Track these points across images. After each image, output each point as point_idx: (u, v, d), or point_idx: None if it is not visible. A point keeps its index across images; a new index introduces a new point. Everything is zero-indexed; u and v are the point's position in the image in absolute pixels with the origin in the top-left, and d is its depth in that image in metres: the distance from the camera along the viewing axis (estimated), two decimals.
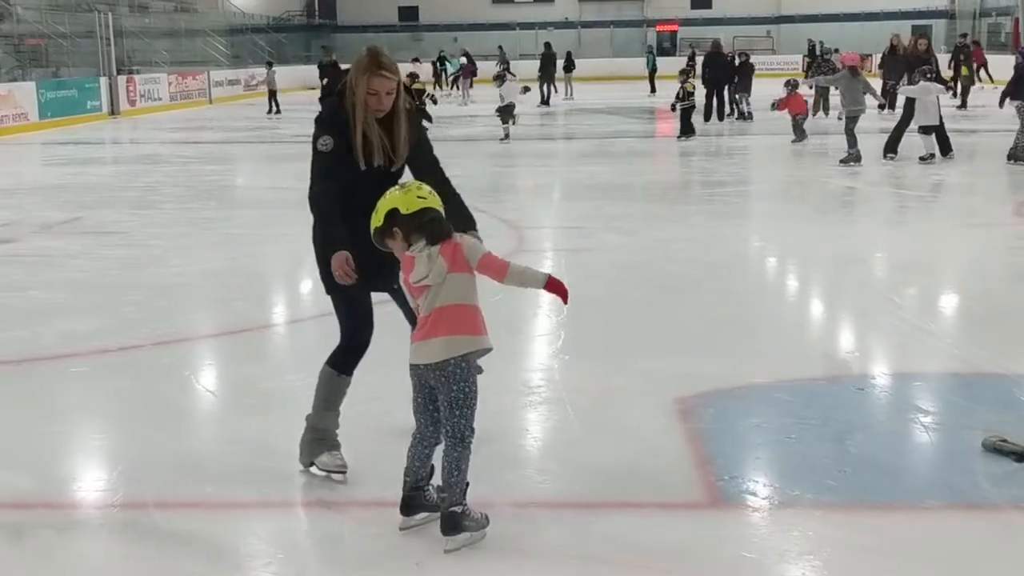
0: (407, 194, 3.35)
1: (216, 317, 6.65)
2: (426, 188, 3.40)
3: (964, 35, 27.35)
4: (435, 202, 3.36)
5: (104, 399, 5.00)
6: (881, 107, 18.81)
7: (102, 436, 4.56)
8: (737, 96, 20.87)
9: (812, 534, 3.45)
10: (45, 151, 17.87)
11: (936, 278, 7.53)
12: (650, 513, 3.64)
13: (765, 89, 21.14)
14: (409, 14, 49.75)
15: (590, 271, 7.33)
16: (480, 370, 3.42)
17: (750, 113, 20.60)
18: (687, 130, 16.91)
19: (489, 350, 3.36)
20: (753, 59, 22.34)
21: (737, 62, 21.06)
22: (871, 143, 14.20)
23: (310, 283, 7.94)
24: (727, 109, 20.74)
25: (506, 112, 17.48)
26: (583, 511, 3.64)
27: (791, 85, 16.56)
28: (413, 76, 18.58)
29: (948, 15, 43.41)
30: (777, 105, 16.46)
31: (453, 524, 3.31)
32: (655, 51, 35.91)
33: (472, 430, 3.33)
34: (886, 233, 9.41)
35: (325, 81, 17.81)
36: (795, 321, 6.47)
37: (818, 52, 37.96)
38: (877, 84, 17.64)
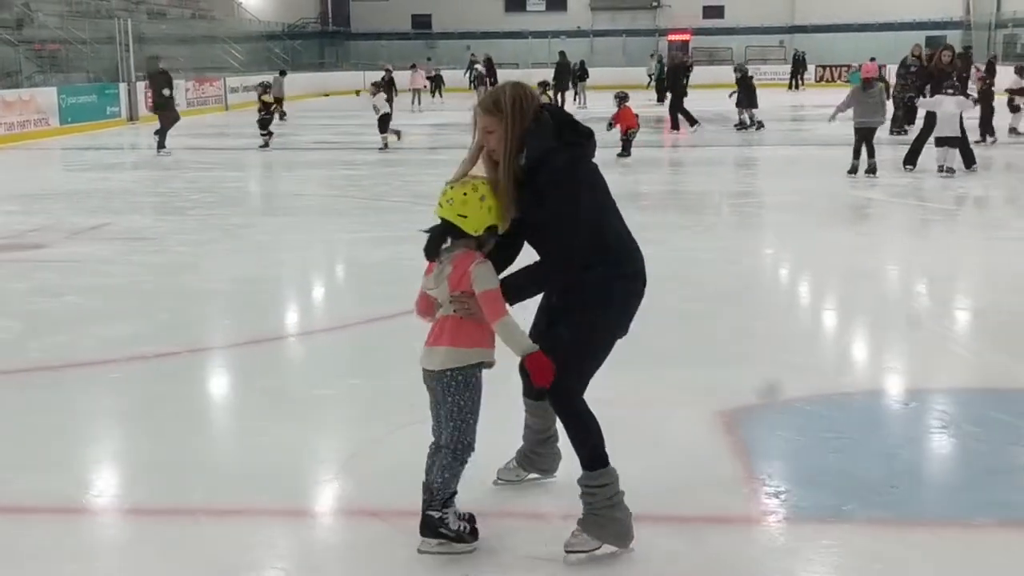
0: (443, 195, 3.27)
1: (250, 325, 6.67)
2: (453, 191, 3.24)
3: (968, 48, 27.14)
4: (449, 211, 3.22)
5: (141, 405, 5.03)
6: (894, 123, 18.66)
7: (141, 442, 4.56)
8: (739, 110, 20.97)
9: (865, 550, 3.46)
10: (67, 156, 17.96)
11: (969, 292, 7.48)
12: (700, 527, 3.65)
13: (776, 99, 21.12)
14: (422, 22, 49.93)
15: None
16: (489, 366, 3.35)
17: (760, 123, 20.72)
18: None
19: (490, 364, 3.34)
20: (764, 68, 22.38)
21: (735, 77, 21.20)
22: (885, 155, 14.18)
23: (341, 292, 8.01)
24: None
25: (383, 122, 17.58)
26: (635, 522, 3.64)
27: (620, 98, 16.24)
28: (264, 86, 18.86)
29: (964, 26, 43.39)
30: (612, 123, 15.92)
31: (428, 526, 3.36)
32: (663, 60, 35.93)
33: (468, 445, 3.33)
34: (916, 246, 9.43)
35: (168, 93, 17.54)
36: (829, 334, 6.48)
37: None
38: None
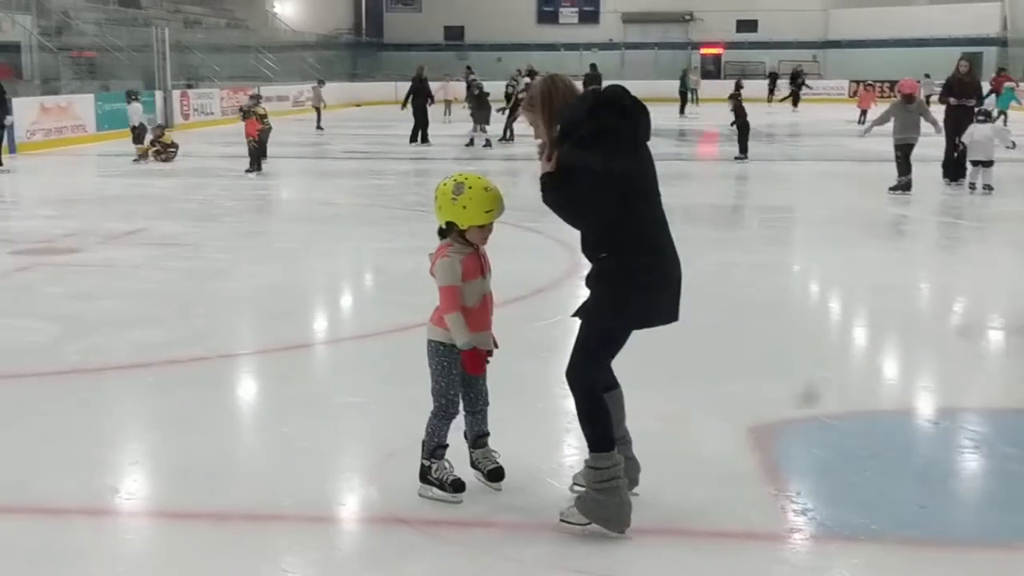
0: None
1: (283, 331, 6.72)
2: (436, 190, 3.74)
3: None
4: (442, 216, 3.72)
5: (173, 409, 5.07)
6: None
7: (172, 446, 4.59)
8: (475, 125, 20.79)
9: (893, 569, 3.44)
10: (103, 162, 18.17)
11: (1005, 311, 7.37)
12: (728, 543, 3.65)
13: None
14: (455, 33, 50.16)
15: None
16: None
17: (488, 141, 20.38)
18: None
19: (452, 345, 3.75)
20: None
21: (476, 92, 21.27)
22: (926, 171, 14.08)
23: (377, 299, 8.05)
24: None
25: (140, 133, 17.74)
26: (663, 537, 3.65)
27: (245, 112, 16.48)
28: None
29: (1000, 42, 42.94)
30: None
31: (421, 473, 3.95)
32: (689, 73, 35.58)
33: (444, 405, 3.86)
34: (951, 263, 9.37)
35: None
36: (863, 350, 6.44)
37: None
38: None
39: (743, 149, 17.50)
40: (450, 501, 3.86)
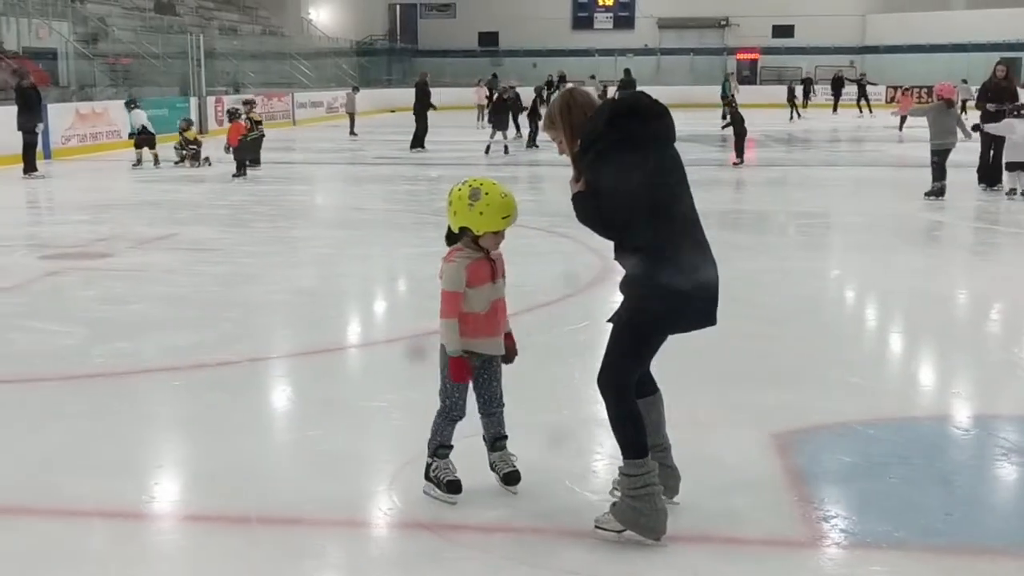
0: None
1: (311, 335, 6.75)
2: (450, 195, 3.74)
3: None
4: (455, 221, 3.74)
5: (201, 413, 5.11)
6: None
7: (199, 449, 4.64)
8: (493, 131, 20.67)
9: None
10: (137, 168, 18.37)
11: None
12: (749, 549, 3.60)
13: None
14: (489, 39, 50.28)
15: None
16: None
17: (506, 147, 20.51)
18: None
19: (473, 354, 3.79)
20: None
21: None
22: (963, 177, 13.90)
23: (403, 303, 8.06)
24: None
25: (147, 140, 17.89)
26: (684, 544, 3.61)
27: (232, 114, 17.03)
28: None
29: None
30: (228, 145, 16.29)
31: (425, 472, 3.96)
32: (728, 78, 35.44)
33: (450, 407, 3.87)
34: (984, 269, 9.21)
35: None
36: (893, 357, 6.36)
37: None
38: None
39: (739, 153, 17.61)
40: (445, 501, 3.86)
